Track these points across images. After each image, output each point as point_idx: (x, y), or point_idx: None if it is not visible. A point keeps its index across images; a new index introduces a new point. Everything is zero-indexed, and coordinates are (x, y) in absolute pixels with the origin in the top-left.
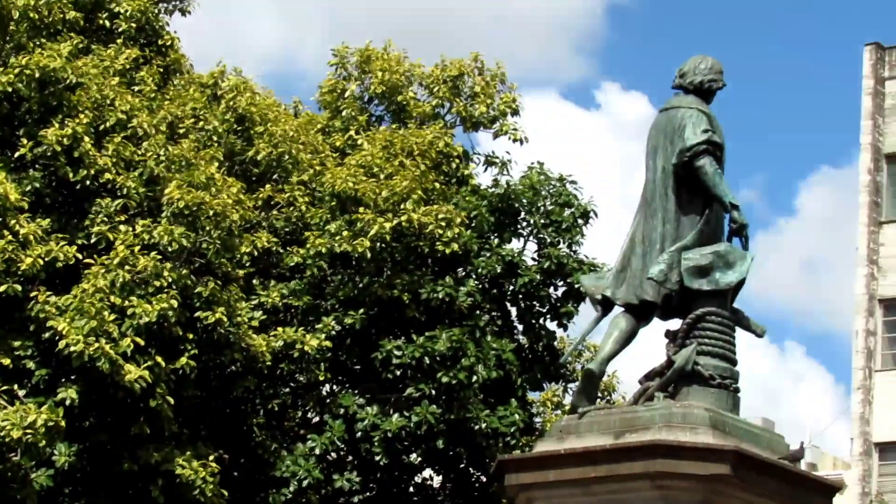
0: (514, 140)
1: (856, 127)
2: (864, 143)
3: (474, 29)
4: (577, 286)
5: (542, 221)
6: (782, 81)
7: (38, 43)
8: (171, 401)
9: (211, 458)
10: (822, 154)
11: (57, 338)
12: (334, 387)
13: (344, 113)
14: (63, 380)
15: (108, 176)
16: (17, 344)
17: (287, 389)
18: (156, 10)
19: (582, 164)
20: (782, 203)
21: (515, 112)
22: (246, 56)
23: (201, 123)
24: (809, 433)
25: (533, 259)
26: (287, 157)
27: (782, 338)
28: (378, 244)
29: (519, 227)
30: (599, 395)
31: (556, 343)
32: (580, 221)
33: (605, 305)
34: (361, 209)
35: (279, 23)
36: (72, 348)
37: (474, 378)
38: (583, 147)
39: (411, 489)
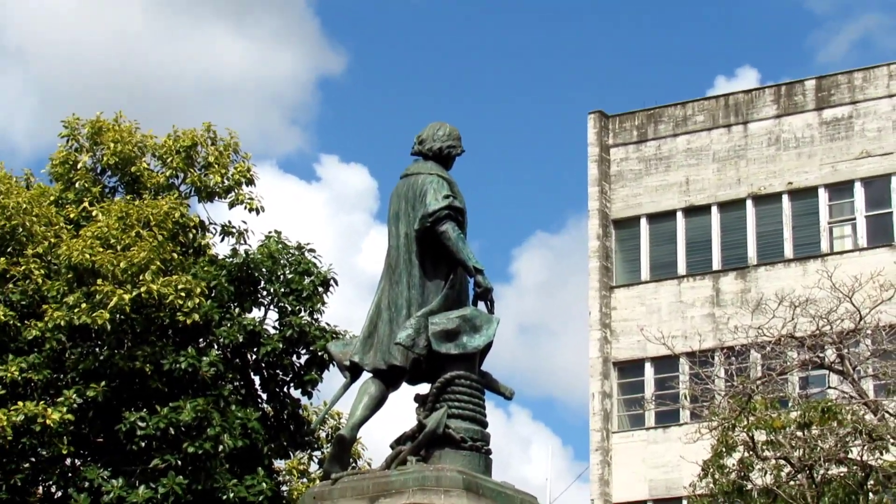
0: (251, 209)
1: (571, 192)
2: (592, 209)
3: (184, 100)
4: (320, 353)
5: (283, 290)
6: (495, 149)
7: None
8: None
9: None
10: (537, 220)
11: None
12: (77, 460)
13: (77, 184)
14: None
15: None
16: None
17: (29, 464)
18: None
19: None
20: (498, 270)
21: (250, 181)
22: None
23: None
24: (549, 495)
25: (275, 328)
26: (21, 229)
27: (507, 403)
28: (118, 316)
29: (259, 295)
30: None
31: (301, 411)
32: (320, 289)
33: (354, 371)
34: (100, 281)
35: None
36: None
37: (220, 447)
38: (307, 218)
39: None
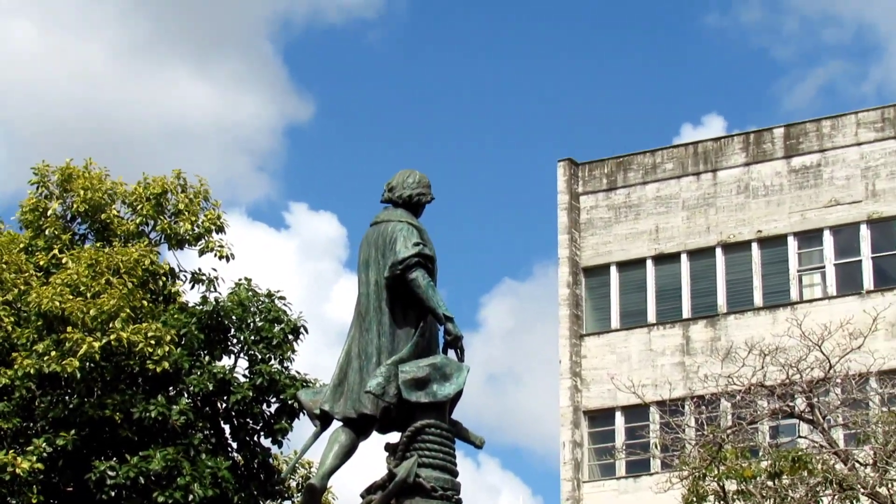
0: (221, 257)
1: (539, 239)
2: (562, 257)
3: (149, 143)
4: (290, 402)
5: (253, 338)
6: (464, 196)
7: None
8: None
9: None
10: (505, 267)
11: None
12: None
13: (47, 232)
14: None
15: None
16: None
17: None
18: None
19: (278, 284)
20: (466, 317)
21: (220, 229)
22: None
23: None
24: None
25: (245, 376)
26: None
27: (476, 451)
28: (88, 363)
29: (229, 343)
30: None
31: (271, 460)
32: (290, 337)
33: (324, 420)
34: (69, 328)
35: None
36: None
37: (191, 497)
38: (277, 266)
39: None
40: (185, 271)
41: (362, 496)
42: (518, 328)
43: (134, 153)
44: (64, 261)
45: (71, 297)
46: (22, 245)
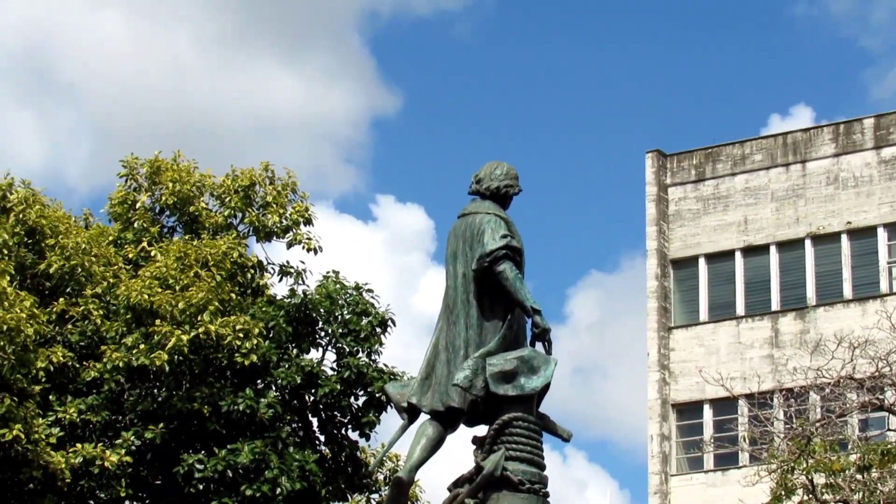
0: (308, 249)
1: (626, 231)
2: (650, 249)
3: (237, 135)
4: (378, 395)
5: (341, 331)
6: (552, 188)
7: None
8: None
9: None
10: (592, 259)
11: None
12: (136, 503)
13: (136, 224)
14: None
15: None
16: None
17: None
18: None
19: (366, 276)
20: (553, 310)
21: (308, 221)
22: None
23: None
24: None
25: (332, 369)
26: (80, 269)
27: (563, 445)
28: (176, 357)
29: (317, 336)
30: None
31: (358, 453)
32: (378, 330)
33: (412, 413)
34: (158, 321)
35: (39, 135)
36: None
37: (278, 490)
38: (364, 259)
39: None
40: (273, 264)
41: (449, 489)
42: (605, 320)
43: (222, 145)
44: (153, 254)
45: (159, 290)
46: (111, 238)
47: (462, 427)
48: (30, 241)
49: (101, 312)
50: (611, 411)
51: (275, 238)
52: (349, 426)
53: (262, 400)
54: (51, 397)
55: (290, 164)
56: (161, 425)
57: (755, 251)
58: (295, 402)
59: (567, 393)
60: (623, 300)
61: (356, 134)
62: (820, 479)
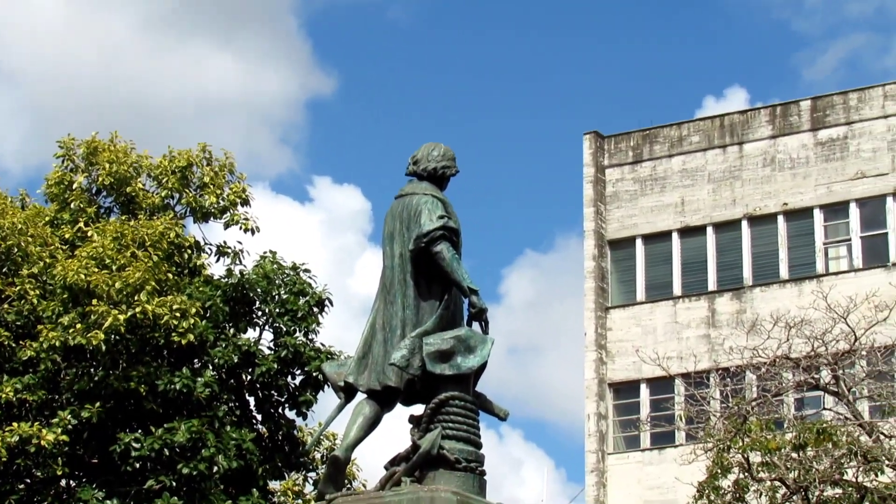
0: (246, 230)
1: (561, 211)
2: (588, 230)
3: (172, 117)
4: (315, 374)
5: (278, 310)
6: (489, 169)
7: None
8: None
9: None
10: (527, 239)
11: None
12: (72, 481)
13: (72, 205)
14: None
15: None
16: None
17: (24, 485)
18: None
19: (303, 257)
20: (488, 290)
21: (245, 202)
22: None
23: None
24: None
25: (269, 348)
26: (16, 249)
27: (498, 423)
28: (113, 336)
29: (254, 316)
30: None
31: (295, 432)
32: (315, 310)
33: (348, 392)
34: (95, 301)
35: None
36: None
37: (215, 469)
38: (301, 240)
39: None
40: (211, 244)
41: (386, 468)
42: (540, 300)
43: (159, 127)
44: (89, 234)
45: (96, 269)
46: (47, 218)
47: (399, 406)
48: None
49: (38, 292)
50: (546, 390)
51: (212, 219)
52: (286, 405)
53: (199, 379)
54: None
55: (226, 145)
56: (98, 404)
57: (692, 232)
58: (232, 381)
59: (502, 373)
60: (558, 280)
61: (292, 115)
62: (756, 458)
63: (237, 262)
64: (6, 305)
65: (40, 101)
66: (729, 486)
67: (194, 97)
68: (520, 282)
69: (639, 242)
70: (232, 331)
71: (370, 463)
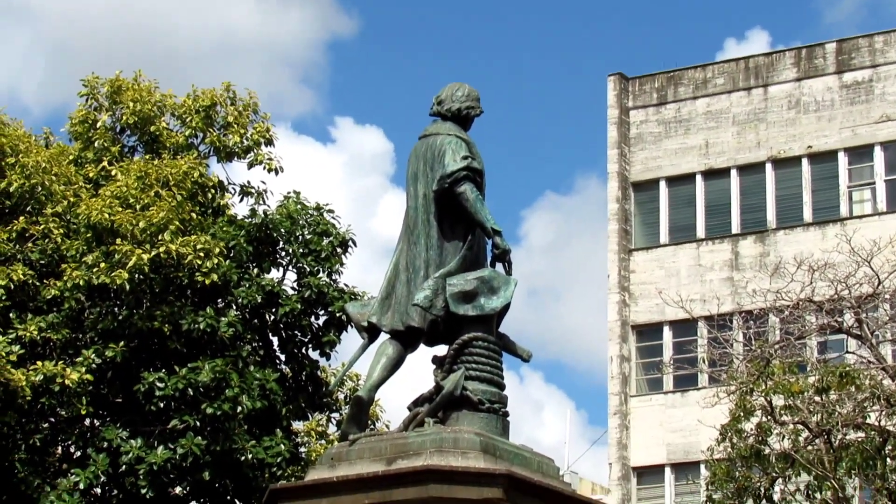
0: (269, 170)
1: (582, 153)
2: (612, 172)
3: (192, 56)
4: (338, 315)
5: (301, 251)
6: (512, 110)
7: None
8: None
9: None
10: (547, 180)
11: None
12: (96, 420)
13: (96, 144)
14: None
15: None
16: None
17: (48, 424)
18: None
19: (325, 198)
20: (508, 231)
21: (269, 142)
22: None
23: None
24: (566, 459)
25: (293, 288)
26: (40, 188)
27: (519, 365)
28: (136, 275)
29: (278, 256)
30: None
31: (319, 372)
32: (339, 250)
33: (372, 333)
34: (118, 240)
35: None
36: None
37: (238, 409)
38: (324, 181)
39: None
40: (234, 184)
41: (409, 408)
42: (560, 242)
43: (181, 66)
44: (113, 173)
45: (120, 209)
46: (71, 157)
47: (422, 346)
48: None
49: (62, 231)
50: (566, 333)
51: (235, 158)
52: (309, 345)
53: (223, 319)
54: (11, 315)
55: (247, 84)
56: (121, 344)
57: (716, 174)
58: (255, 321)
59: (523, 314)
60: (579, 222)
61: (313, 56)
62: (778, 401)
63: (261, 202)
64: (30, 244)
65: (59, 37)
66: (751, 429)
67: (216, 36)
68: (539, 223)
69: (662, 185)
70: (255, 271)
71: (393, 404)
